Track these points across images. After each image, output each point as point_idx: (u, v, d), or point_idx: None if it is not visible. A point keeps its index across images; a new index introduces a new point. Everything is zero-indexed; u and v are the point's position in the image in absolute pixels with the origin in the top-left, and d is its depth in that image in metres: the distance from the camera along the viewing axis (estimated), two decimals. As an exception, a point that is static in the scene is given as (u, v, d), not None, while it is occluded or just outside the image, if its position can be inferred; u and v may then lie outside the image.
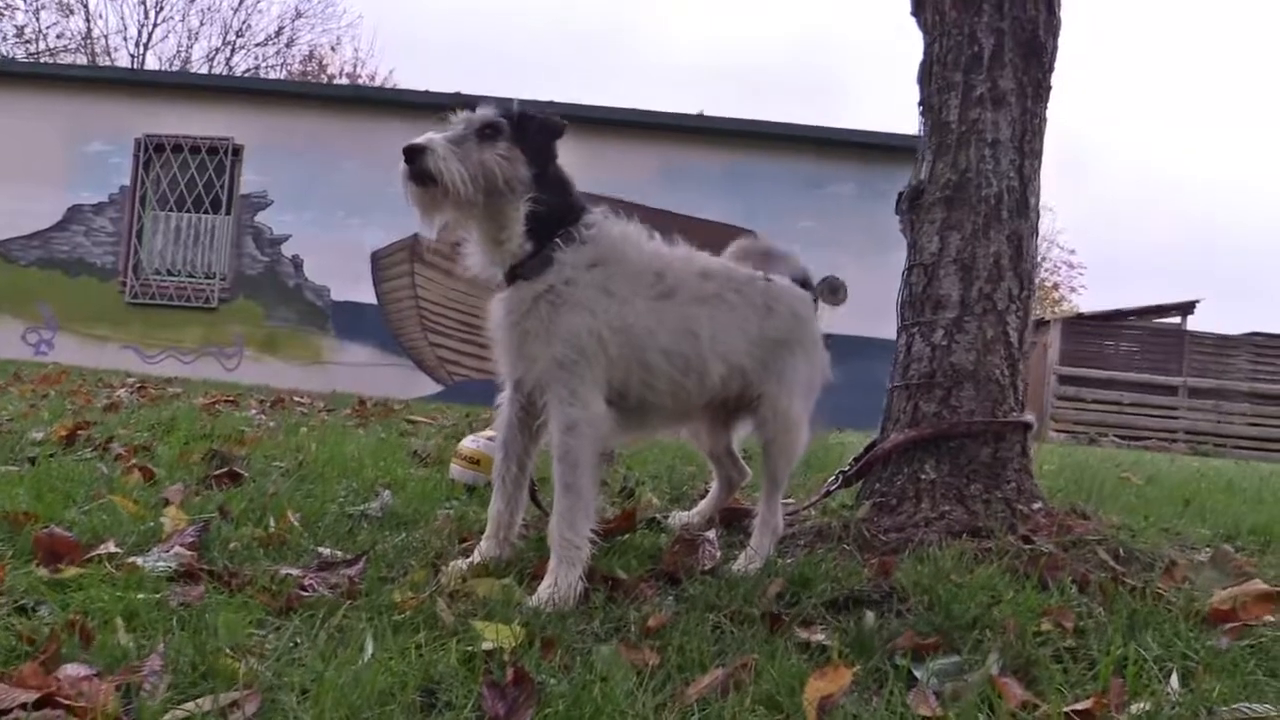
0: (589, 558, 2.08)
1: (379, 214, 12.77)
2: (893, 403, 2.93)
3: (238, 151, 12.86)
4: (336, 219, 12.77)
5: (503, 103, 2.21)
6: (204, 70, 26.30)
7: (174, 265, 13.00)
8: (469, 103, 2.23)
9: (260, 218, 12.94)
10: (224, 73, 26.41)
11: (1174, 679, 1.73)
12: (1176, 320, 18.00)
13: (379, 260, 13.02)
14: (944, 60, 2.97)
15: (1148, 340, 17.76)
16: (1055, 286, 32.14)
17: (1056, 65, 2.99)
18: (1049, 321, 18.35)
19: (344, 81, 27.64)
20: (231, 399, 6.83)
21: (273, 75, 27.23)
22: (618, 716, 1.42)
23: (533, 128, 2.17)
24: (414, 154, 2.05)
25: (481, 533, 2.53)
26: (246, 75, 26.13)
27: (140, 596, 1.77)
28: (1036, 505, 2.74)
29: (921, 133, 3.08)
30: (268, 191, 12.93)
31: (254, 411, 6.11)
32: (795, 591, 2.14)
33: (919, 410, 2.82)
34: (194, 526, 2.25)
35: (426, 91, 13.17)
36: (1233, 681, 1.71)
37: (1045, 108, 2.97)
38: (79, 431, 3.68)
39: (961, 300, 2.82)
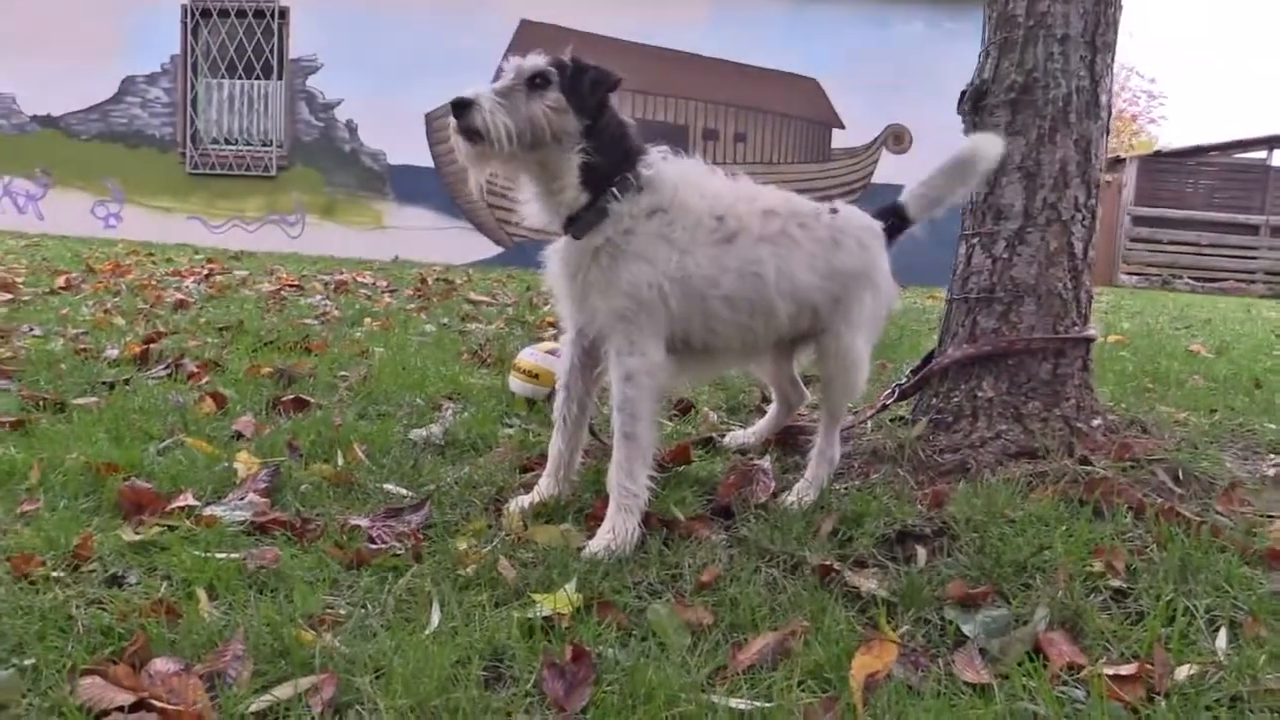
0: (646, 504, 2.13)
1: (432, 75, 12.53)
2: (951, 315, 2.88)
3: (284, 14, 12.62)
4: (389, 81, 12.55)
5: (555, 53, 2.14)
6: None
7: (230, 134, 13.02)
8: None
9: (312, 82, 12.81)
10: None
11: (1222, 636, 1.75)
12: (1262, 155, 17.09)
13: (433, 122, 12.86)
14: (1012, -56, 2.77)
15: (1229, 176, 16.95)
16: (1134, 118, 30.55)
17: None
18: (1124, 159, 17.59)
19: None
20: (296, 283, 6.96)
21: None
22: (671, 691, 1.49)
23: (586, 80, 2.11)
24: (461, 109, 2.02)
25: (542, 458, 2.61)
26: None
27: (219, 557, 1.88)
28: (1096, 422, 2.71)
29: (985, 24, 2.90)
30: (318, 55, 12.74)
31: (319, 298, 6.24)
32: (848, 529, 2.18)
33: (978, 325, 2.76)
34: (266, 470, 2.35)
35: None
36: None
37: (1120, -4, 2.77)
38: (150, 345, 3.80)
39: (1025, 210, 2.72)
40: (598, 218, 2.13)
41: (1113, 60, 2.78)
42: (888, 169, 12.80)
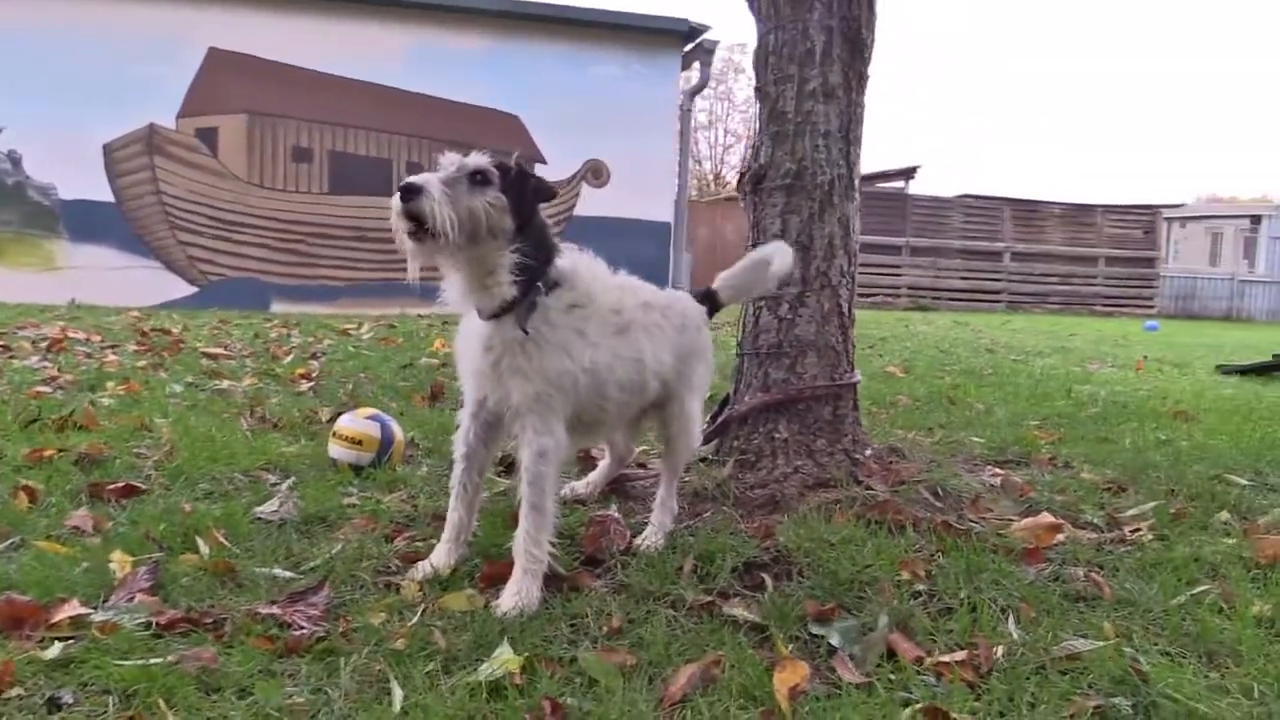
0: (547, 568, 2.36)
1: (110, 103, 11.64)
2: (744, 367, 3.34)
3: (-77, 31, 11.16)
4: (60, 109, 11.46)
5: (497, 153, 2.31)
6: None
7: None
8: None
9: (-38, 108, 11.41)
10: None
11: (1011, 621, 2.29)
12: (900, 185, 19.77)
13: (112, 153, 11.92)
14: (779, 52, 3.28)
15: (874, 203, 19.44)
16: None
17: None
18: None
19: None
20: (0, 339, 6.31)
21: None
22: (635, 727, 1.76)
23: (528, 188, 2.30)
24: (410, 193, 2.12)
25: (399, 526, 2.77)
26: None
27: (154, 663, 1.90)
28: (868, 452, 3.28)
29: (758, 114, 3.40)
30: (-32, 78, 11.37)
31: (36, 359, 5.73)
32: (704, 565, 2.55)
33: (769, 376, 3.25)
34: (145, 568, 2.33)
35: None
36: (1052, 620, 2.28)
37: (864, 97, 3.36)
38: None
39: (803, 278, 3.23)
40: (528, 310, 2.32)
41: (859, 153, 3.37)
42: (589, 202, 13.50)
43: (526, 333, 2.29)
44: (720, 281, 2.91)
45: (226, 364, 6.05)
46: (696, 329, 2.77)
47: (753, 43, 3.41)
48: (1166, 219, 23.06)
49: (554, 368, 2.32)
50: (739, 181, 3.42)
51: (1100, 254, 21.00)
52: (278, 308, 12.18)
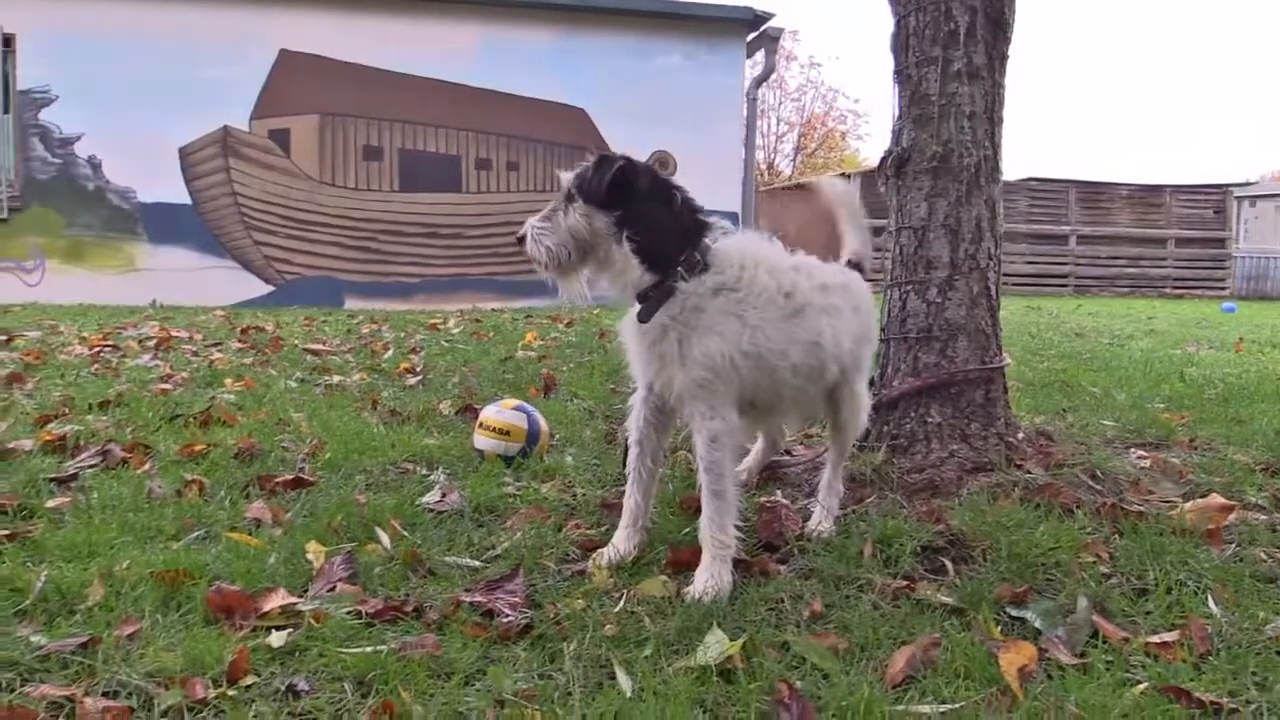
0: (735, 552, 2.37)
1: (184, 107, 11.86)
2: (890, 353, 3.32)
3: (9, 41, 11.46)
4: (136, 114, 11.70)
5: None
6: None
7: (-52, 174, 11.64)
8: None
9: (45, 115, 11.70)
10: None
11: (1210, 601, 2.25)
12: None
13: (188, 156, 12.16)
14: (920, 34, 3.24)
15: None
16: (842, 135, 33.66)
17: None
18: (849, 175, 19.43)
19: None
20: (109, 342, 6.46)
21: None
22: (874, 706, 1.75)
23: (590, 183, 2.35)
24: (519, 243, 2.39)
25: (569, 511, 2.79)
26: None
27: (381, 650, 1.93)
28: (1020, 435, 3.24)
29: (897, 99, 3.36)
30: (50, 86, 11.65)
31: (148, 358, 5.86)
32: (884, 549, 2.53)
33: (919, 360, 3.22)
34: (339, 558, 2.37)
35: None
36: (1251, 601, 2.24)
37: (1005, 78, 3.32)
38: (45, 429, 3.54)
39: (951, 261, 3.20)
40: (664, 296, 2.35)
41: (1002, 134, 3.32)
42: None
43: (643, 321, 2.37)
44: (855, 252, 2.91)
45: (331, 360, 6.14)
46: (869, 312, 2.75)
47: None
48: (1237, 198, 22.52)
49: (703, 351, 2.29)
50: (880, 166, 3.39)
51: (1170, 235, 20.56)
52: (351, 304, 12.35)
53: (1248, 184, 25.05)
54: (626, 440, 2.59)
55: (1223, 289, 20.44)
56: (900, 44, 3.32)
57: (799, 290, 2.44)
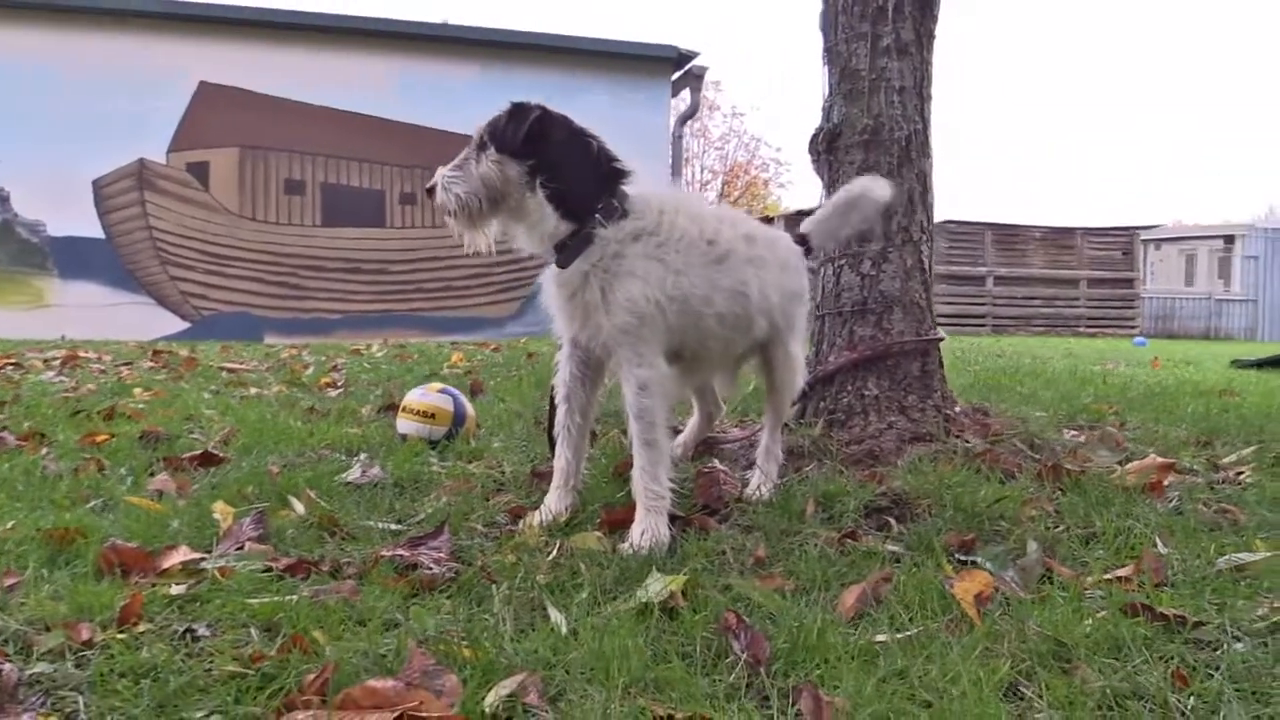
0: (670, 505, 2.25)
1: (99, 138, 11.50)
2: (825, 328, 3.27)
3: (-90, 68, 11.02)
4: (46, 145, 11.30)
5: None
6: None
7: None
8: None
9: (-52, 145, 11.23)
10: None
11: (1159, 542, 2.21)
12: (883, 211, 19.94)
13: (102, 189, 11.77)
14: (850, 10, 3.25)
15: (858, 230, 19.51)
16: (765, 183, 34.26)
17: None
18: (772, 219, 19.74)
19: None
20: (9, 358, 6.12)
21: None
22: (826, 635, 1.65)
23: (502, 130, 2.30)
24: (429, 193, 2.34)
25: (495, 486, 2.66)
26: None
27: (292, 599, 1.77)
28: (958, 408, 3.20)
29: (826, 77, 3.36)
30: (-45, 116, 11.21)
31: (52, 374, 5.55)
32: (826, 508, 2.45)
33: (855, 334, 3.17)
34: (249, 519, 2.20)
35: (138, -4, 11.79)
36: (1198, 542, 2.20)
37: (933, 56, 3.33)
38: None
39: (885, 234, 3.17)
40: (583, 244, 2.26)
41: (930, 110, 3.33)
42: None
43: (561, 268, 2.30)
44: (811, 225, 2.84)
45: (248, 376, 5.90)
46: (798, 270, 2.69)
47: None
48: (1143, 241, 23.37)
49: (626, 296, 2.22)
50: (811, 143, 3.37)
51: (1082, 275, 21.19)
52: (271, 340, 12.00)
53: (1153, 227, 26.03)
54: (554, 398, 2.48)
55: (1133, 328, 21.09)
56: (830, 22, 3.32)
57: (722, 238, 2.38)
